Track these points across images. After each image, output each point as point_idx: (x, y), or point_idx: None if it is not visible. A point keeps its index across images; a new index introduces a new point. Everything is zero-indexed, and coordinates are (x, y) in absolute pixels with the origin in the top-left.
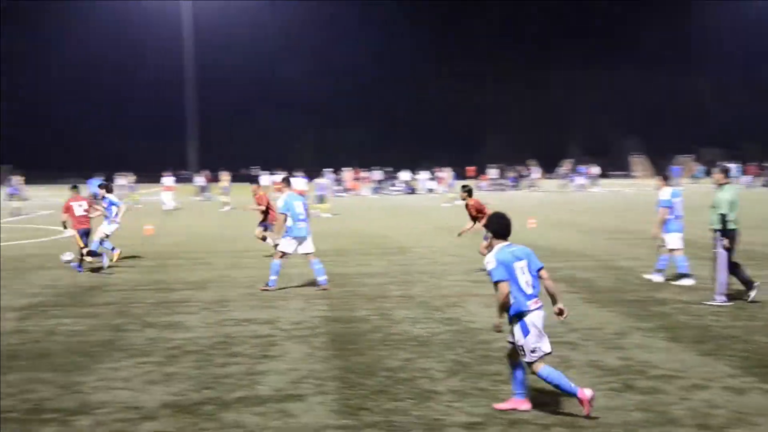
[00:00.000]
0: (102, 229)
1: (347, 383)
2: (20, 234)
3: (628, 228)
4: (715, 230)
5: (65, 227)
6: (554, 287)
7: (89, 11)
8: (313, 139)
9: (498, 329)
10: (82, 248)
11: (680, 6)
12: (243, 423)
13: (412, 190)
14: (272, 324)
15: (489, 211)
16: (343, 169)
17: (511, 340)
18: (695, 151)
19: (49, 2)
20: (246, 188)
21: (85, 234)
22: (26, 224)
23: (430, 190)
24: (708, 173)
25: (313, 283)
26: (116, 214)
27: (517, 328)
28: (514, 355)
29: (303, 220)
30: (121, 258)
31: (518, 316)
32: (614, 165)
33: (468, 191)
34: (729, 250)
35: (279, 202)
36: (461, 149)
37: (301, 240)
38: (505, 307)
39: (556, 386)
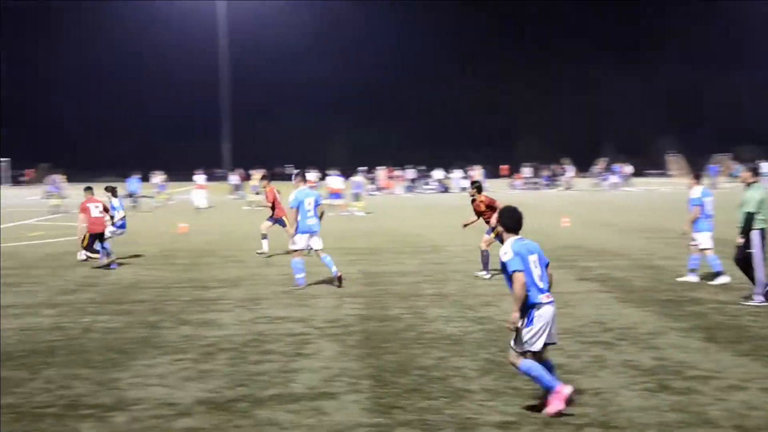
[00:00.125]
0: (107, 231)
1: (380, 381)
2: (58, 231)
3: (664, 227)
4: (744, 229)
5: (81, 228)
6: (552, 283)
7: (125, 12)
8: (345, 138)
9: (514, 325)
10: (84, 246)
11: (717, 2)
12: (277, 420)
13: (445, 189)
14: (306, 322)
15: (500, 205)
16: (377, 168)
17: (516, 348)
18: (732, 150)
19: (87, 2)
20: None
21: (99, 236)
22: (64, 222)
23: (464, 189)
24: None
25: (345, 281)
26: (121, 219)
27: (523, 318)
28: (537, 354)
29: (313, 216)
30: (149, 257)
31: (528, 308)
32: (650, 164)
33: (477, 188)
34: (746, 248)
35: (290, 197)
36: (495, 148)
37: (311, 234)
38: (522, 299)
39: (536, 381)
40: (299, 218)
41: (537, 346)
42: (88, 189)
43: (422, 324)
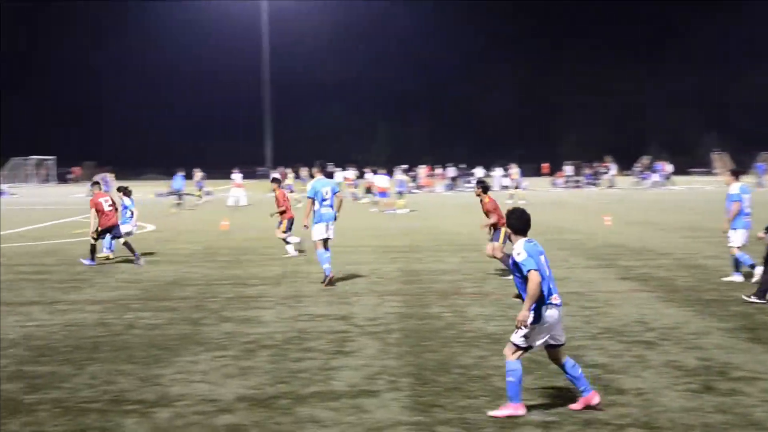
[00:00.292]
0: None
1: (421, 380)
2: None
3: (707, 226)
4: None
5: (93, 223)
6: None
7: (170, 13)
8: (386, 136)
9: (523, 324)
10: (95, 239)
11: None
12: (317, 417)
13: None
14: (346, 320)
15: (500, 212)
16: (418, 166)
17: (515, 341)
18: None
19: (134, 3)
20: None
21: (109, 231)
22: None
23: (505, 187)
24: None
25: (385, 279)
26: (130, 217)
27: (530, 314)
28: (551, 354)
29: (329, 206)
30: (191, 254)
31: (537, 306)
32: (695, 162)
33: (483, 188)
34: None
35: (307, 186)
36: (537, 146)
37: (328, 224)
38: (537, 297)
39: (508, 383)
40: (317, 208)
41: (536, 343)
42: (96, 184)
43: (462, 322)
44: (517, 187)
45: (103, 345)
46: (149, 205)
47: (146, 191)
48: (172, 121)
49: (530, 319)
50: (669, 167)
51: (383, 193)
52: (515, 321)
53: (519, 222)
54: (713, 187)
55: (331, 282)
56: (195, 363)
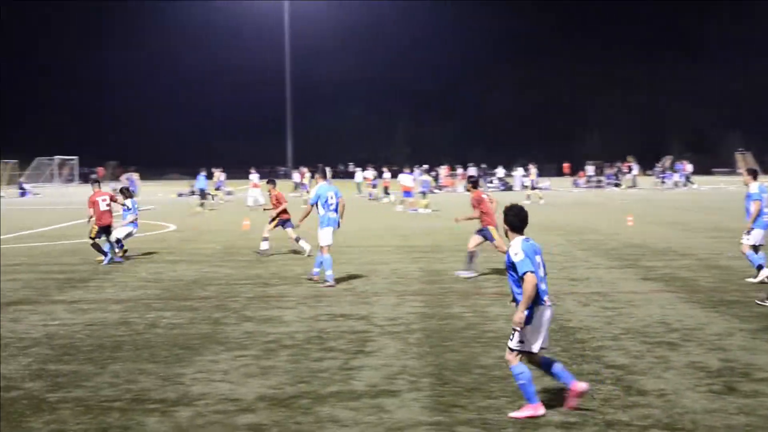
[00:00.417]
0: (115, 233)
1: (441, 380)
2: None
3: (730, 226)
4: None
5: (90, 221)
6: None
7: (187, 14)
8: (407, 136)
9: (519, 325)
10: (93, 238)
11: None
12: (338, 417)
13: (506, 187)
14: (367, 320)
15: (486, 208)
16: (439, 167)
17: (513, 346)
18: None
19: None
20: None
21: (105, 230)
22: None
23: (525, 187)
24: None
25: (406, 279)
26: (133, 221)
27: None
28: (536, 358)
29: (335, 210)
30: (212, 253)
31: (530, 305)
32: (718, 161)
33: (473, 183)
34: None
35: (311, 192)
36: (558, 146)
37: (333, 228)
38: (532, 299)
39: (521, 387)
40: (322, 213)
41: (535, 347)
42: (96, 183)
43: (483, 323)
44: (533, 188)
45: (125, 344)
46: (170, 205)
47: (168, 191)
48: (194, 121)
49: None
50: (689, 167)
51: (408, 193)
52: (513, 325)
53: (516, 219)
54: (736, 188)
55: (312, 281)
56: (216, 362)
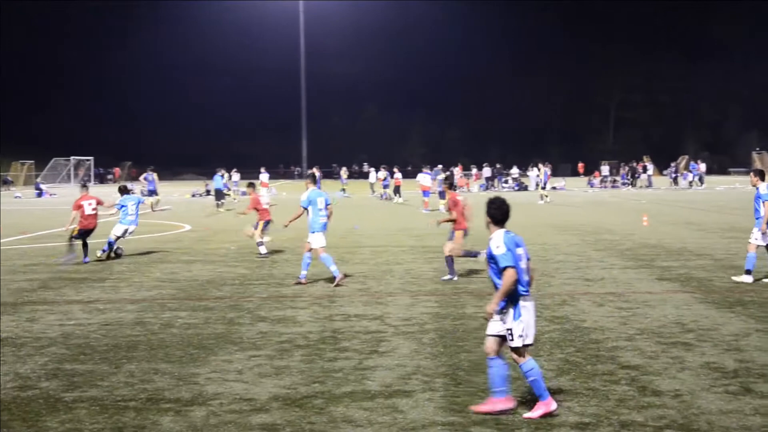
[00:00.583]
0: (113, 231)
1: (455, 380)
2: (139, 229)
3: (747, 226)
4: None
5: (72, 222)
6: (533, 280)
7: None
8: (421, 136)
9: (489, 317)
10: (72, 237)
11: None
12: (351, 417)
13: (521, 187)
14: (381, 320)
15: (463, 209)
16: (453, 167)
17: (492, 332)
18: None
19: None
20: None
21: (88, 233)
22: (147, 219)
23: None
24: None
25: (420, 279)
26: (134, 217)
27: (510, 312)
28: (497, 348)
29: (325, 215)
30: (227, 253)
31: (513, 301)
32: (735, 161)
33: (449, 184)
34: None
35: (302, 197)
36: (574, 145)
37: (323, 232)
38: (509, 293)
39: (532, 383)
40: (312, 217)
41: (531, 338)
42: (84, 186)
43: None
44: (543, 187)
45: (140, 344)
46: (185, 205)
47: (183, 191)
48: (209, 122)
49: (509, 318)
50: (702, 166)
51: (426, 192)
52: (485, 314)
53: (498, 212)
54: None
55: (299, 283)
56: (230, 362)
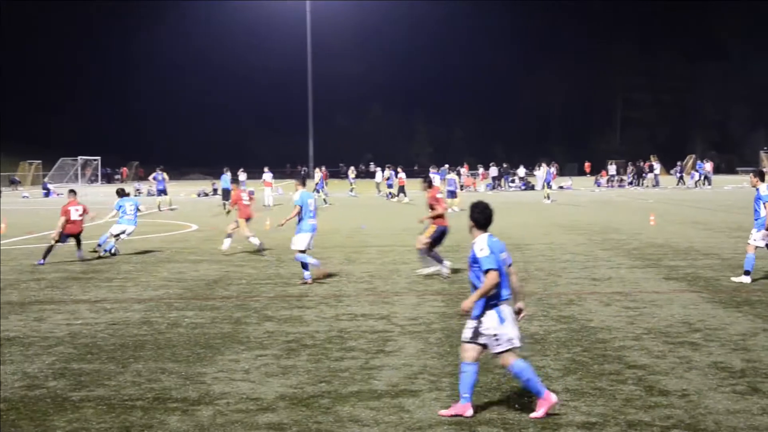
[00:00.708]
0: (110, 230)
1: None
2: (146, 228)
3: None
4: None
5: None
6: (519, 286)
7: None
8: (428, 136)
9: (466, 313)
10: (56, 242)
11: None
12: (358, 417)
13: (527, 186)
14: (387, 319)
15: (440, 207)
16: (460, 165)
17: (468, 337)
18: None
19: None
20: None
21: (71, 236)
22: (153, 219)
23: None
24: None
25: (426, 279)
26: (132, 217)
27: (492, 316)
28: (476, 355)
29: (312, 217)
30: (234, 253)
31: (494, 305)
32: (742, 160)
33: (428, 183)
34: None
35: (295, 196)
36: (581, 145)
37: (312, 233)
38: (489, 295)
39: (526, 383)
40: (302, 219)
41: (517, 342)
42: (72, 192)
43: None
44: (549, 186)
45: (147, 343)
46: (191, 205)
47: (190, 191)
48: (215, 122)
49: (494, 323)
50: (708, 165)
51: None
52: (460, 310)
53: (482, 216)
54: None
55: (305, 283)
56: (237, 362)
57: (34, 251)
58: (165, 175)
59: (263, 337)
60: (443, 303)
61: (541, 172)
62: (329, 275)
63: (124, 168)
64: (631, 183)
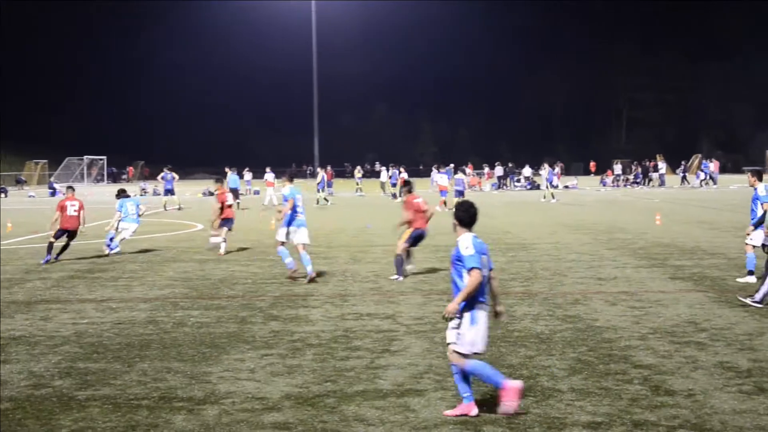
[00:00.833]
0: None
1: None
2: (152, 227)
3: None
4: None
5: (53, 224)
6: (498, 289)
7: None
8: (433, 135)
9: (452, 314)
10: (52, 241)
11: None
12: (363, 416)
13: (533, 186)
14: (393, 319)
15: (409, 212)
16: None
17: (452, 340)
18: None
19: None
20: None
21: (67, 233)
22: (159, 218)
23: (554, 186)
24: None
25: (432, 278)
26: (134, 216)
27: (466, 317)
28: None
29: (301, 212)
30: (239, 252)
31: (471, 307)
32: (749, 160)
33: (408, 188)
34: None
35: (285, 190)
36: (587, 144)
37: (298, 229)
38: (472, 295)
39: (485, 379)
40: (291, 213)
41: (480, 347)
42: (70, 188)
43: (510, 322)
44: (553, 186)
45: (152, 343)
46: (196, 204)
47: (195, 190)
48: (220, 121)
49: (465, 324)
50: (713, 165)
51: (443, 192)
52: (445, 313)
53: (466, 215)
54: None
55: (312, 280)
56: (242, 361)
57: (39, 250)
58: (174, 175)
59: (269, 336)
60: (449, 302)
61: (544, 172)
62: (313, 279)
63: (131, 167)
64: (636, 182)
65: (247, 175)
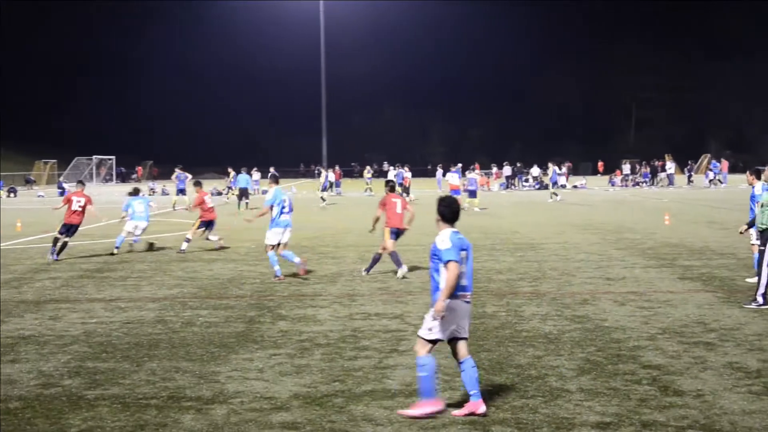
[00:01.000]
0: (124, 227)
1: None
2: (161, 227)
3: None
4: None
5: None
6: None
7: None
8: (441, 135)
9: (440, 314)
10: (58, 237)
11: None
12: (372, 416)
13: (541, 185)
14: (401, 318)
15: (380, 210)
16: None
17: (422, 334)
18: None
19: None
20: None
21: (70, 228)
22: (168, 218)
23: (562, 186)
24: None
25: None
26: (143, 214)
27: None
28: (463, 350)
29: (288, 213)
30: (248, 252)
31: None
32: (758, 160)
33: (390, 187)
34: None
35: (268, 195)
36: (595, 144)
37: (285, 229)
38: (453, 289)
39: (419, 379)
40: (275, 215)
41: (443, 335)
42: (80, 183)
43: (518, 322)
44: (562, 185)
45: (161, 342)
46: None
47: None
48: (229, 121)
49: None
50: (722, 165)
51: (455, 191)
52: (432, 313)
53: (448, 210)
54: None
55: (305, 270)
56: (251, 361)
57: (48, 250)
58: (187, 174)
59: (277, 336)
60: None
61: (550, 172)
62: (305, 275)
63: (139, 167)
64: (645, 182)
65: (255, 174)
